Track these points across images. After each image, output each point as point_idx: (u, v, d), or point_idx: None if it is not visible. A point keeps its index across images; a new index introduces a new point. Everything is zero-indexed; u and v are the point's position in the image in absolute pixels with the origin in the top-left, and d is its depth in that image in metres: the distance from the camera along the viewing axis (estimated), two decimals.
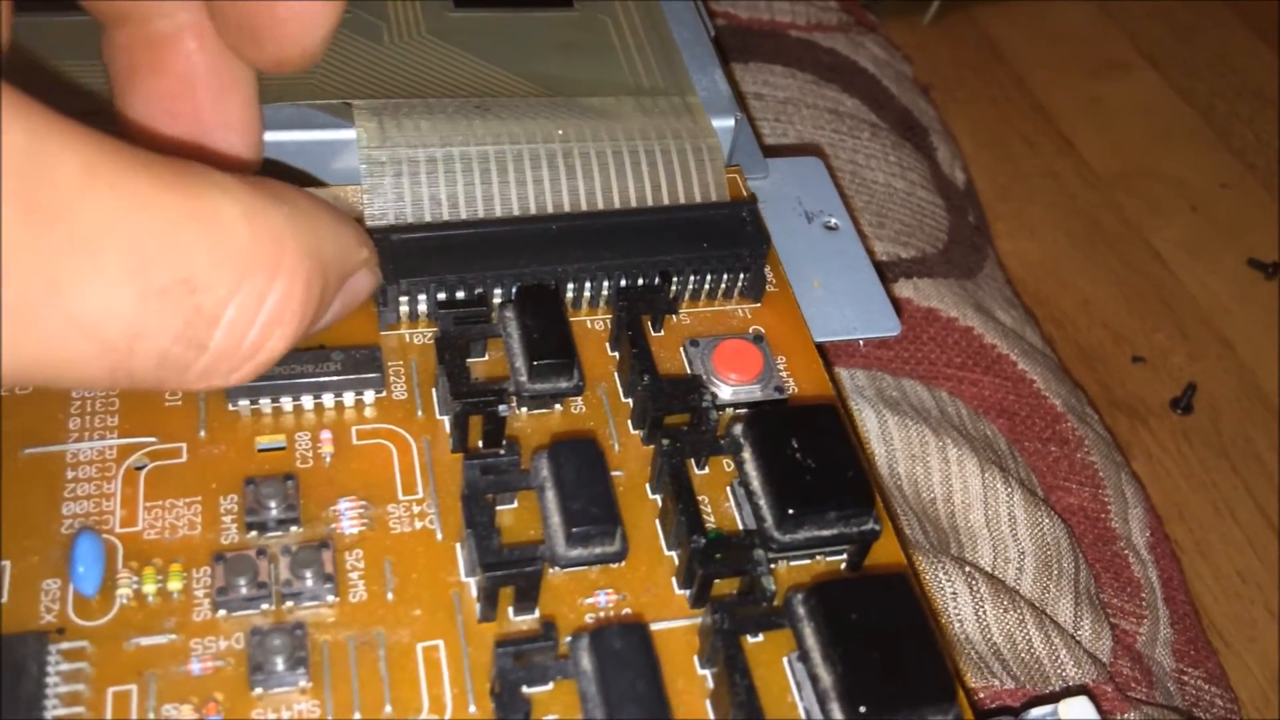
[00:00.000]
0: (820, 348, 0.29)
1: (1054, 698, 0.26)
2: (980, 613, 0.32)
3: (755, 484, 0.23)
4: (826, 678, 0.21)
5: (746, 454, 0.24)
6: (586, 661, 0.20)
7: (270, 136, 0.27)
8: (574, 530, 0.22)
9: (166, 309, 0.17)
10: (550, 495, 0.22)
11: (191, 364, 0.18)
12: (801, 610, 0.21)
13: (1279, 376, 0.52)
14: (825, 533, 0.23)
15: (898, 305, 0.35)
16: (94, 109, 0.23)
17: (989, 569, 0.34)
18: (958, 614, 0.32)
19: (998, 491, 0.35)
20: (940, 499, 0.35)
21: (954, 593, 0.32)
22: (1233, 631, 0.43)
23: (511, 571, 0.21)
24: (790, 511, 0.22)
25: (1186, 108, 0.66)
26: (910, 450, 0.35)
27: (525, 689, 0.20)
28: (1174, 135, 0.65)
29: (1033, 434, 0.39)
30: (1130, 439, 0.49)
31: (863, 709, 0.20)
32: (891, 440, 0.35)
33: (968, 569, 0.32)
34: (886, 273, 0.40)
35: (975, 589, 0.32)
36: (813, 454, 0.23)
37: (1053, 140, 0.63)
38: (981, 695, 0.31)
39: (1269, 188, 0.62)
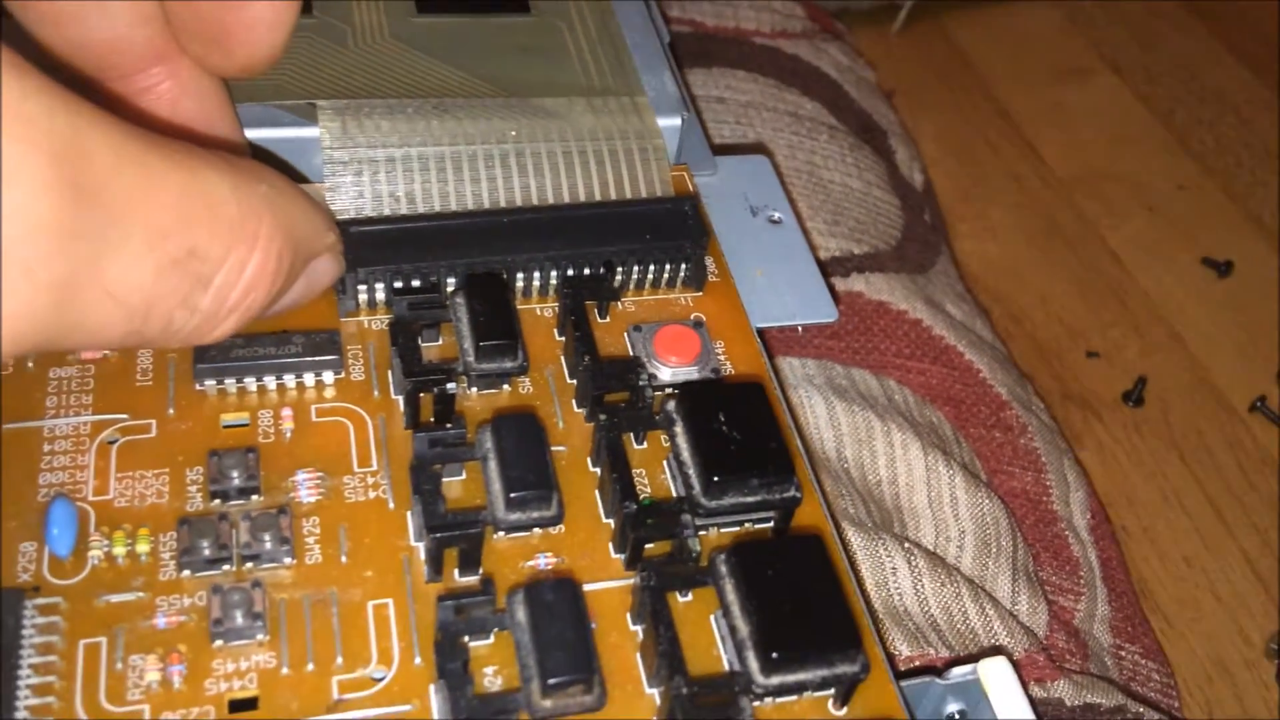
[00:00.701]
0: (763, 335, 0.31)
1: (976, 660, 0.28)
2: (918, 587, 0.33)
3: (685, 454, 0.25)
4: (744, 629, 0.22)
5: (678, 427, 0.25)
6: (521, 613, 0.22)
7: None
8: (512, 495, 0.23)
9: (176, 277, 0.19)
10: (492, 464, 0.24)
11: (185, 325, 0.20)
12: (723, 568, 0.23)
13: (1228, 371, 0.54)
14: (749, 499, 0.24)
15: (838, 296, 0.37)
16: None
17: (931, 547, 0.36)
18: (897, 588, 0.33)
19: (940, 474, 0.37)
20: (885, 481, 0.37)
21: (893, 568, 0.33)
22: (1176, 613, 0.45)
23: (455, 533, 0.23)
24: (715, 478, 0.24)
25: (1147, 112, 0.68)
26: (857, 435, 0.37)
27: (466, 639, 0.22)
28: (1134, 139, 0.67)
29: (977, 420, 0.41)
30: (1083, 430, 0.50)
31: (775, 655, 0.22)
32: (839, 425, 0.37)
33: (907, 545, 0.34)
34: (839, 268, 0.42)
35: (914, 564, 0.33)
36: (739, 427, 0.25)
37: (1015, 144, 0.65)
38: (917, 663, 0.32)
39: (1225, 189, 0.63)
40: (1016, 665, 0.28)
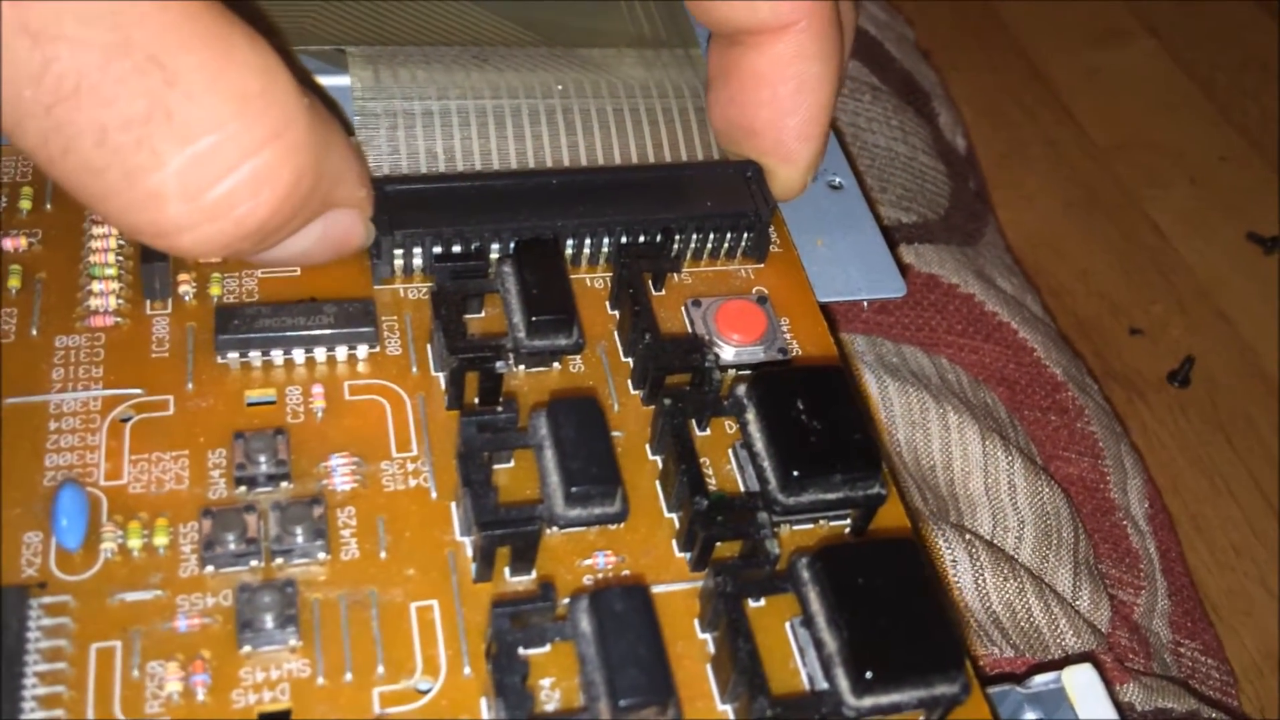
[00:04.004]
0: (823, 309, 0.29)
1: (1055, 666, 0.26)
2: (980, 581, 0.31)
3: (759, 445, 0.23)
4: (831, 643, 0.20)
5: (750, 415, 0.23)
6: (586, 623, 0.20)
7: None
8: (573, 489, 0.21)
9: (129, 79, 0.16)
10: (549, 454, 0.22)
11: (145, 171, 0.17)
12: (806, 574, 0.21)
13: (1277, 352, 0.51)
14: (830, 496, 0.22)
15: (904, 268, 0.34)
16: None
17: (988, 537, 0.34)
18: (957, 582, 0.31)
19: (998, 459, 0.35)
20: (940, 466, 0.35)
21: (954, 560, 0.31)
22: (1226, 605, 0.43)
23: (509, 530, 0.21)
24: (795, 473, 0.22)
25: (1187, 79, 0.66)
26: (910, 416, 0.35)
27: (522, 650, 0.20)
28: (1174, 107, 0.64)
29: (1033, 403, 0.39)
30: (1126, 411, 0.48)
31: (868, 675, 0.19)
32: (891, 406, 0.35)
33: (968, 536, 0.32)
34: (887, 238, 0.40)
35: (975, 557, 0.31)
36: (818, 416, 0.23)
37: (1051, 109, 0.63)
38: (982, 663, 0.30)
39: (1269, 162, 0.61)
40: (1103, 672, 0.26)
